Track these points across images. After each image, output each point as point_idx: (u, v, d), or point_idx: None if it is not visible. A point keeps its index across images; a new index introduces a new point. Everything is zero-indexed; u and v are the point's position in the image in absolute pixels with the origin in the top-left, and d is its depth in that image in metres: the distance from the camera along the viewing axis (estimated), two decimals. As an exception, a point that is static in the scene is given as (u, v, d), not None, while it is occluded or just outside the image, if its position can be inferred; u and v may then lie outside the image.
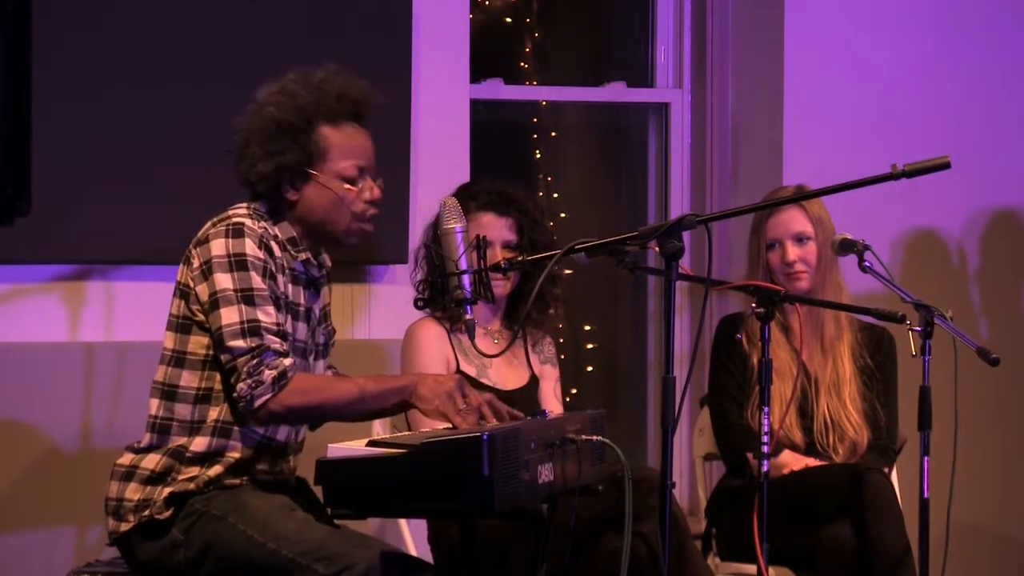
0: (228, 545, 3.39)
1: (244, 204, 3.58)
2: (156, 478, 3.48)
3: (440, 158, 5.01)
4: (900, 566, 4.11)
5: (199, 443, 3.49)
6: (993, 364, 3.90)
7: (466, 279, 3.47)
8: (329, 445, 3.12)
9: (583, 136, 5.78)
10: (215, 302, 3.42)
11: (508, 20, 5.58)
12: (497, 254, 4.15)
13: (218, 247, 3.45)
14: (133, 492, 3.49)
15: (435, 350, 4.18)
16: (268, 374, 3.36)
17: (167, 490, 3.46)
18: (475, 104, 5.18)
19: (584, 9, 5.78)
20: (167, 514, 3.45)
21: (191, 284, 3.49)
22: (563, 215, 5.60)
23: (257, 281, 3.43)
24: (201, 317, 3.47)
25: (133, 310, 4.71)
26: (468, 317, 3.49)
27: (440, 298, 4.13)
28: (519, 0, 5.58)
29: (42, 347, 4.64)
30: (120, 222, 4.66)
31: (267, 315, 3.41)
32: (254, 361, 3.36)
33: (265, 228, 3.51)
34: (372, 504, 3.10)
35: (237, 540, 3.38)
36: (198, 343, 3.50)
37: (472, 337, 3.52)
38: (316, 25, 4.82)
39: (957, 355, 3.97)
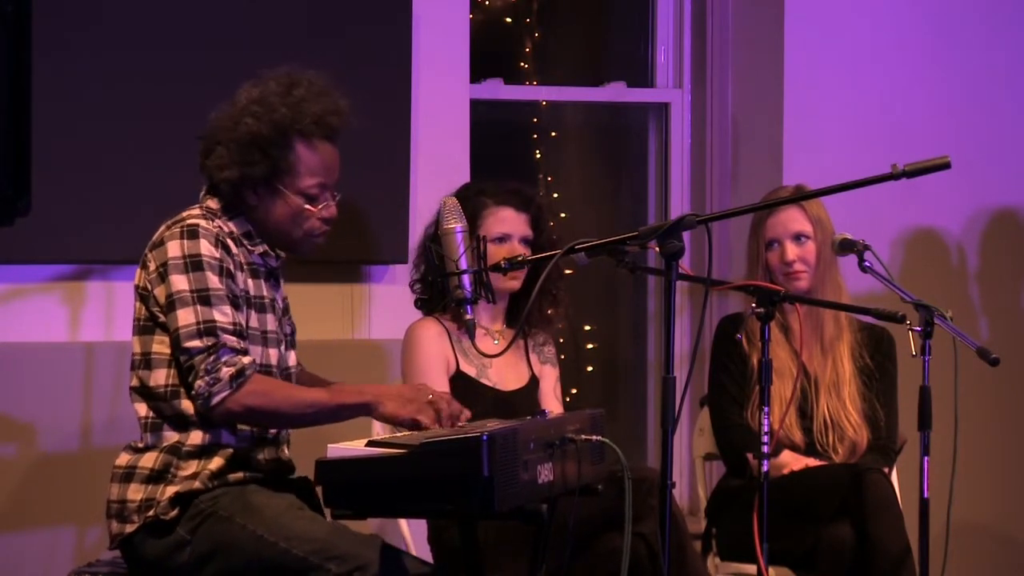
0: (237, 545, 3.38)
1: (197, 206, 3.60)
2: (156, 476, 3.48)
3: (440, 158, 5.01)
4: (900, 566, 4.10)
5: (194, 437, 3.49)
6: (993, 364, 3.90)
7: (466, 279, 3.47)
8: (328, 445, 3.12)
9: (583, 136, 5.78)
10: (172, 304, 3.44)
11: (508, 20, 5.57)
12: (516, 248, 4.15)
13: (174, 248, 3.47)
14: (135, 492, 3.48)
15: (435, 350, 4.18)
16: (226, 371, 3.37)
17: (171, 489, 3.45)
18: (475, 104, 5.18)
19: (584, 9, 5.77)
20: (173, 514, 3.44)
21: (149, 287, 3.51)
22: (563, 215, 5.60)
23: (213, 281, 3.44)
24: (163, 318, 3.49)
25: (133, 310, 4.69)
26: (468, 317, 3.49)
27: (440, 298, 4.13)
28: (519, 0, 5.58)
29: (42, 347, 4.64)
30: (120, 222, 4.65)
31: (223, 315, 3.42)
32: (211, 358, 3.38)
33: (220, 227, 3.54)
34: (372, 504, 3.10)
35: (246, 540, 3.37)
36: (162, 342, 3.51)
37: (472, 337, 3.52)
38: (316, 25, 4.82)
39: (957, 355, 3.96)
